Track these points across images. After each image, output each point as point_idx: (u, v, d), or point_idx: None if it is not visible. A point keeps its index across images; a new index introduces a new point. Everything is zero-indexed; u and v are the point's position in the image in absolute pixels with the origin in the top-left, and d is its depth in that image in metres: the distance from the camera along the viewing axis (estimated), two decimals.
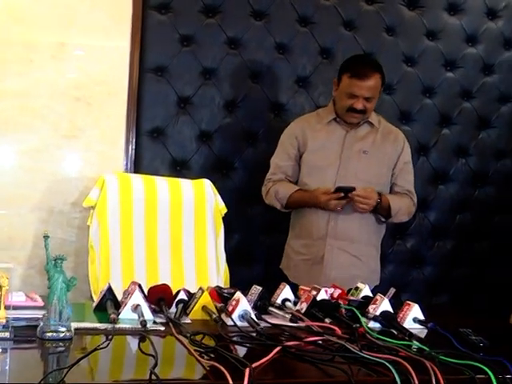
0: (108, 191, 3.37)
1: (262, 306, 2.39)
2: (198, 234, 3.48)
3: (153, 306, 2.27)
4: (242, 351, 1.92)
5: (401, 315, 2.32)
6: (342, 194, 3.24)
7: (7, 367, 1.71)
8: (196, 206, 3.51)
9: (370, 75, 3.31)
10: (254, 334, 2.00)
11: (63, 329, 1.89)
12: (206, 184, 3.56)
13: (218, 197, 3.54)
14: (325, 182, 3.36)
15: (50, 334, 1.88)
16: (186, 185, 3.55)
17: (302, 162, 3.47)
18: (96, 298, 2.46)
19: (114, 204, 3.37)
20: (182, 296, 2.37)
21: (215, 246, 3.52)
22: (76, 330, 1.95)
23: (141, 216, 3.40)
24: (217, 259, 3.50)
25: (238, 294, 2.24)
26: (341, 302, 2.45)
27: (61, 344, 1.86)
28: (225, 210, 3.54)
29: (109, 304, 2.24)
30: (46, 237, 1.97)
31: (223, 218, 3.58)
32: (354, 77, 3.30)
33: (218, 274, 3.47)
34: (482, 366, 1.79)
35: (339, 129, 3.46)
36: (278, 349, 1.81)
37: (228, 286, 3.33)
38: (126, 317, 2.15)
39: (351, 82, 3.30)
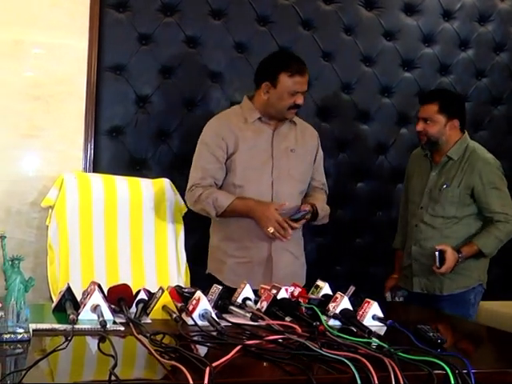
0: (67, 191, 3.34)
1: (223, 305, 2.39)
2: (159, 233, 3.47)
3: (112, 306, 2.26)
4: (202, 351, 1.92)
5: (360, 313, 2.34)
6: (294, 224, 3.21)
7: None
8: (156, 206, 3.50)
9: (306, 69, 3.31)
10: (215, 334, 2.00)
11: (21, 330, 1.87)
12: (166, 183, 3.56)
13: (178, 196, 3.53)
14: (261, 183, 3.32)
15: (7, 336, 1.86)
16: (145, 184, 3.54)
17: (231, 161, 3.32)
18: (55, 299, 2.44)
19: (72, 204, 3.34)
20: (142, 296, 2.36)
21: (176, 245, 3.51)
22: (34, 331, 1.93)
23: (100, 216, 3.38)
24: (177, 258, 3.50)
25: (199, 294, 2.24)
26: (301, 300, 2.47)
27: (19, 346, 1.84)
28: (185, 209, 3.53)
29: (68, 304, 2.23)
30: (2, 237, 1.94)
31: (183, 217, 3.57)
32: (296, 74, 3.25)
33: (178, 273, 3.47)
34: (439, 362, 1.81)
35: (265, 128, 3.38)
36: (238, 348, 1.81)
37: (189, 285, 3.33)
38: (86, 317, 2.13)
39: (294, 80, 3.25)
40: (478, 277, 3.60)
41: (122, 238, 3.40)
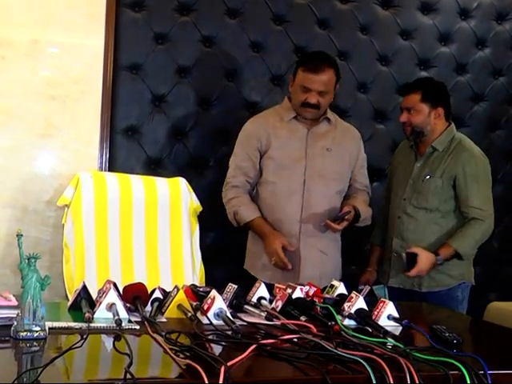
0: (83, 190, 3.35)
1: (238, 304, 2.39)
2: (174, 232, 3.48)
3: (128, 305, 2.27)
4: (217, 350, 1.92)
5: (376, 313, 2.33)
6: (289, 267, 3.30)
7: None
8: (171, 205, 3.51)
9: (323, 69, 3.32)
10: (230, 333, 2.00)
11: (37, 328, 1.88)
12: (182, 182, 3.56)
13: (194, 195, 3.54)
14: (293, 181, 3.37)
15: (23, 334, 1.86)
16: (161, 183, 3.54)
17: (265, 159, 3.42)
18: (71, 297, 2.45)
19: (88, 203, 3.35)
20: (158, 294, 2.36)
21: (191, 244, 3.51)
22: (50, 329, 1.94)
23: (116, 215, 3.39)
24: (192, 258, 3.50)
25: (214, 293, 2.24)
26: (316, 300, 2.47)
27: (35, 344, 1.85)
28: (200, 209, 3.54)
29: (83, 303, 2.23)
30: (19, 235, 1.95)
31: (198, 217, 3.58)
32: (308, 70, 3.31)
33: (193, 272, 3.47)
34: (455, 363, 1.80)
35: (300, 126, 3.44)
36: (253, 347, 1.81)
37: (203, 284, 3.33)
38: (101, 316, 2.14)
39: (305, 76, 3.32)
40: (461, 276, 3.51)
41: (137, 237, 3.40)
